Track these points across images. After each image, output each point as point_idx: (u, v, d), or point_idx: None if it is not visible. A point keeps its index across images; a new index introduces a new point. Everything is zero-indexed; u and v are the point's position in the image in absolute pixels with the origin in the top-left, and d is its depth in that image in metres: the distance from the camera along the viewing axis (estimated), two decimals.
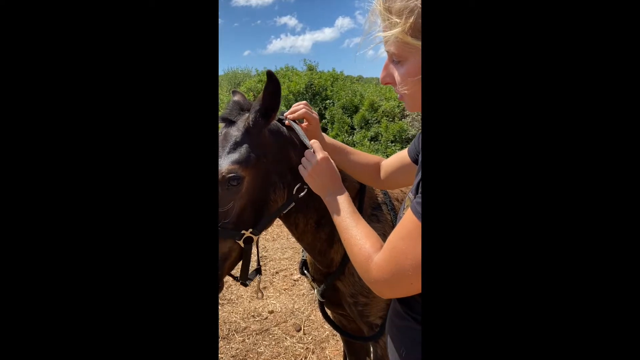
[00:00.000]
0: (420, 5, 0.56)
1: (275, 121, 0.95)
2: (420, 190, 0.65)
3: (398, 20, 0.58)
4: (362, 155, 1.06)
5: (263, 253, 3.48)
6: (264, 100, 0.88)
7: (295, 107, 1.00)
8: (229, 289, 2.83)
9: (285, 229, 3.81)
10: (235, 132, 0.90)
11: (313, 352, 2.08)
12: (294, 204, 0.95)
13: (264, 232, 2.78)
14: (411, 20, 0.57)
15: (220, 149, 0.88)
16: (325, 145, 0.99)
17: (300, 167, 0.87)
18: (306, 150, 0.86)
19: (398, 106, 5.74)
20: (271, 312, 2.49)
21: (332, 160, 0.84)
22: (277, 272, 3.07)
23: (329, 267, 1.13)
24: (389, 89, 5.52)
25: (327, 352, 2.08)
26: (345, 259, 1.09)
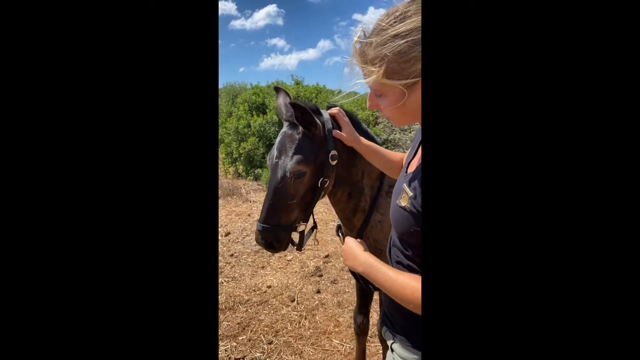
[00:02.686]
0: (390, 53, 0.58)
1: (327, 115, 1.10)
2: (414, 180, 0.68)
3: (373, 69, 0.60)
4: (390, 154, 1.08)
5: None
6: (308, 122, 1.02)
7: (330, 112, 1.11)
8: (233, 268, 2.92)
9: None
10: (297, 135, 1.05)
11: (305, 318, 2.22)
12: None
13: None
14: (384, 67, 0.59)
15: (287, 147, 1.05)
16: (361, 146, 1.08)
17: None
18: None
19: (372, 114, 5.96)
20: (269, 286, 2.60)
21: (351, 241, 0.81)
22: (273, 255, 3.15)
23: (351, 231, 1.28)
24: (364, 100, 5.70)
25: (317, 318, 2.22)
26: (362, 226, 1.24)
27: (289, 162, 1.02)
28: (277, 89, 1.22)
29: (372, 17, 0.62)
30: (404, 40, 0.56)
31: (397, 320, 0.77)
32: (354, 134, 1.08)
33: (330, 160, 1.07)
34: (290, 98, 1.12)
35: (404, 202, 0.68)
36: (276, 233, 1.07)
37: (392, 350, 0.78)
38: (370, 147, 1.07)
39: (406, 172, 0.75)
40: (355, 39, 0.63)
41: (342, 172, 1.14)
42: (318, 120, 1.04)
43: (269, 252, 3.18)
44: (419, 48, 0.56)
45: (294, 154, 1.03)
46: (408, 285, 0.63)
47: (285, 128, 1.09)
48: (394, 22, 0.57)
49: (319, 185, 1.08)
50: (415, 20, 0.56)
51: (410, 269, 0.72)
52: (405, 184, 0.69)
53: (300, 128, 1.04)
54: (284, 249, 1.11)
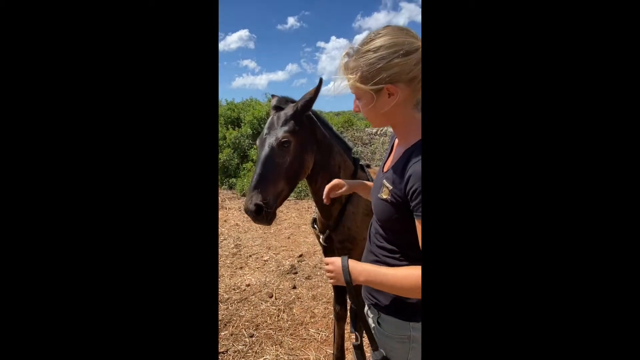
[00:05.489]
0: (363, 63, 0.67)
1: (309, 112, 1.18)
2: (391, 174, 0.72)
3: (352, 76, 0.70)
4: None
5: (238, 242, 3.50)
6: (308, 99, 1.13)
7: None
8: None
9: (254, 225, 3.84)
10: (285, 114, 1.13)
11: (283, 312, 2.24)
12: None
13: (239, 227, 2.93)
14: (359, 74, 0.68)
15: (275, 124, 1.13)
16: (358, 187, 1.13)
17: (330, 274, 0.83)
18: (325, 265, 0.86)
19: (342, 124, 6.23)
20: (248, 285, 2.60)
21: (339, 261, 0.78)
22: (250, 256, 3.16)
23: (328, 219, 1.31)
24: (328, 115, 6.12)
25: (294, 311, 2.24)
26: (339, 215, 1.28)
27: (278, 133, 1.10)
28: (274, 96, 1.33)
29: (356, 39, 0.74)
30: (374, 55, 0.66)
31: (380, 299, 0.80)
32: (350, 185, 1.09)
33: (312, 133, 1.16)
34: (288, 101, 1.23)
35: (385, 195, 0.73)
36: (265, 196, 1.08)
37: (379, 324, 0.81)
38: (362, 183, 1.09)
39: (383, 171, 0.80)
40: (343, 55, 0.73)
41: (322, 159, 1.21)
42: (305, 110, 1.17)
43: (246, 254, 3.18)
44: (384, 61, 0.66)
45: (281, 126, 1.11)
46: (411, 274, 0.66)
47: (272, 114, 1.17)
48: (368, 42, 0.68)
49: (302, 159, 1.15)
50: (383, 39, 0.66)
51: (392, 252, 0.77)
52: (384, 180, 0.74)
53: (288, 109, 1.13)
54: (270, 220, 1.11)
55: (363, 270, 0.74)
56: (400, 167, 0.70)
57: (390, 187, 0.72)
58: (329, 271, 0.79)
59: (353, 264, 0.76)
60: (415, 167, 0.66)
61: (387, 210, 0.73)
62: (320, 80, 1.09)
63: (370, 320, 0.85)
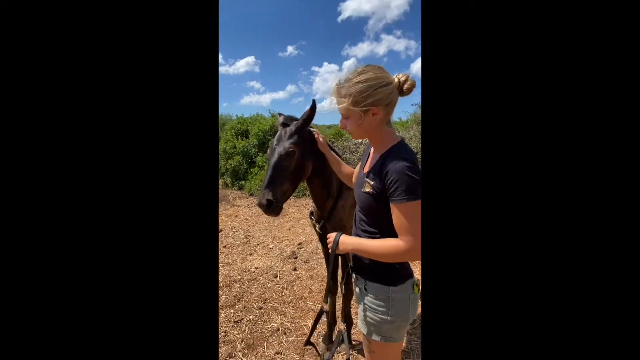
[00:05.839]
0: (354, 91, 0.77)
1: (308, 128, 1.33)
2: (373, 175, 0.81)
3: (345, 100, 0.80)
4: (344, 165, 1.28)
5: (248, 233, 3.76)
6: (305, 118, 1.27)
7: (313, 131, 1.35)
8: (226, 256, 3.14)
9: (261, 218, 4.18)
10: (290, 129, 1.27)
11: (286, 289, 2.46)
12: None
13: (248, 221, 3.42)
14: (351, 99, 0.79)
15: (283, 137, 1.27)
16: (329, 154, 1.30)
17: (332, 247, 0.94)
18: (329, 238, 0.96)
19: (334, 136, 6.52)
20: (257, 268, 2.85)
21: (335, 235, 0.92)
22: (258, 244, 3.47)
23: (323, 212, 1.46)
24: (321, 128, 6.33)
25: (295, 288, 2.45)
26: (332, 208, 1.43)
27: (285, 144, 1.25)
28: (280, 114, 1.49)
29: (342, 71, 0.88)
30: (363, 84, 0.78)
31: (364, 270, 0.91)
32: (326, 144, 1.34)
33: (310, 145, 1.30)
34: (292, 119, 1.40)
35: (367, 189, 0.83)
36: (274, 194, 1.22)
37: (366, 290, 0.90)
38: (334, 156, 1.32)
39: (363, 172, 0.90)
40: (335, 84, 0.85)
41: (319, 166, 1.35)
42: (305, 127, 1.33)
43: (254, 243, 3.47)
44: (371, 89, 0.77)
45: (288, 139, 1.27)
46: (390, 245, 0.77)
47: (280, 129, 1.35)
48: (357, 75, 0.80)
49: (303, 164, 1.29)
50: (370, 74, 0.79)
51: (372, 233, 0.87)
52: (366, 178, 0.85)
53: (292, 126, 1.29)
54: (278, 212, 1.23)
55: (351, 242, 0.88)
56: (378, 167, 0.82)
57: (372, 183, 0.82)
58: (329, 242, 0.94)
59: (344, 237, 0.91)
60: (390, 165, 0.77)
61: (369, 200, 0.84)
62: (314, 102, 1.25)
63: (357, 290, 0.96)
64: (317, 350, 1.45)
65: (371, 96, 0.79)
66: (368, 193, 0.83)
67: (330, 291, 1.75)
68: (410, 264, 0.95)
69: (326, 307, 1.09)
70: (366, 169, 0.90)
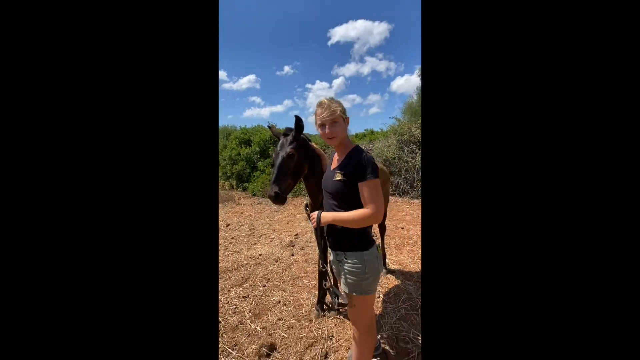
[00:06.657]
0: (339, 107, 1.07)
1: (303, 135, 1.53)
2: (344, 169, 1.04)
3: (337, 110, 1.05)
4: (327, 160, 1.47)
5: (252, 227, 4.04)
6: (298, 128, 1.47)
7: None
8: (234, 246, 3.46)
9: (263, 214, 4.55)
10: (290, 137, 1.48)
11: (285, 270, 2.70)
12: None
13: (252, 216, 4.00)
14: (340, 108, 1.07)
15: (285, 143, 1.47)
16: (319, 151, 1.54)
17: (314, 221, 1.17)
18: (312, 216, 1.19)
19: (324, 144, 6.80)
20: (260, 254, 3.14)
21: (317, 212, 1.12)
22: (261, 235, 3.80)
23: (316, 204, 1.63)
24: (314, 137, 6.72)
25: (293, 270, 2.69)
26: (322, 201, 1.43)
27: (287, 149, 1.46)
28: (270, 126, 1.77)
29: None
30: (339, 105, 1.07)
31: (342, 243, 1.10)
32: (319, 149, 1.58)
33: (306, 150, 1.51)
34: (291, 130, 1.57)
35: (338, 177, 1.05)
36: (280, 187, 1.43)
37: (346, 259, 1.08)
38: (320, 152, 1.56)
39: (331, 169, 1.14)
40: (327, 101, 1.09)
41: (313, 166, 1.56)
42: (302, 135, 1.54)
43: (257, 234, 3.76)
44: (342, 106, 1.06)
45: (289, 145, 1.48)
46: (360, 213, 0.97)
47: (282, 138, 1.55)
48: (335, 100, 1.09)
49: (301, 165, 1.49)
50: (338, 101, 1.07)
51: (339, 210, 1.09)
52: (336, 171, 1.07)
53: (291, 135, 1.51)
54: (283, 202, 1.44)
55: (330, 215, 1.08)
56: (345, 162, 1.08)
57: (343, 172, 1.03)
58: (313, 220, 1.15)
59: (324, 213, 1.11)
60: (357, 156, 1.03)
61: (339, 186, 1.05)
62: (297, 117, 1.47)
63: (337, 262, 1.16)
64: (326, 305, 1.85)
65: (343, 112, 1.11)
66: (339, 181, 1.05)
67: (320, 272, 2.05)
68: (371, 232, 1.18)
69: (323, 269, 1.34)
70: (333, 166, 1.16)
